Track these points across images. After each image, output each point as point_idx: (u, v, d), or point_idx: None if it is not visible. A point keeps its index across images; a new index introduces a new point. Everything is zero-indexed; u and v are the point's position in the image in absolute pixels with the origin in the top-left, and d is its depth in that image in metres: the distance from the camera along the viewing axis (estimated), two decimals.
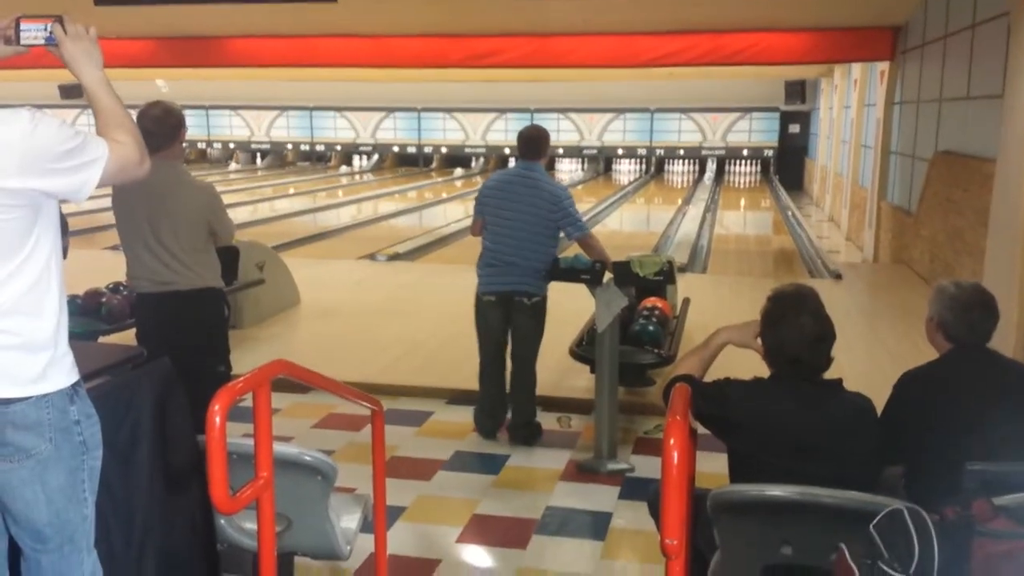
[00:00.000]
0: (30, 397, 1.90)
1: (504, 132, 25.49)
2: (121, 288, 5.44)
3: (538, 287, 4.53)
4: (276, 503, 2.27)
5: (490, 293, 4.57)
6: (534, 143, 4.55)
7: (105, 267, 6.26)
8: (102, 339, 5.16)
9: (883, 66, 10.85)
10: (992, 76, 6.67)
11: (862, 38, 10.41)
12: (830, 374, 2.39)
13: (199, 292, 3.80)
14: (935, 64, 8.73)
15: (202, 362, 3.67)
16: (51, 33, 1.98)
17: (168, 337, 3.61)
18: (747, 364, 2.52)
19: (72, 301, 5.30)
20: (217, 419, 2.06)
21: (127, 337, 4.67)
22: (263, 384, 2.24)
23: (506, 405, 4.73)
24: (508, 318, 4.58)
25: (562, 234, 4.56)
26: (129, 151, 1.95)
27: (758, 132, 24.01)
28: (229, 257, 4.12)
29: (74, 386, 1.98)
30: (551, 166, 26.07)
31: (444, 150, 26.23)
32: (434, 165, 26.75)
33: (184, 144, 3.99)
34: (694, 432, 2.23)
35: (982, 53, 7.19)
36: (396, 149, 27.10)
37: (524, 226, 4.46)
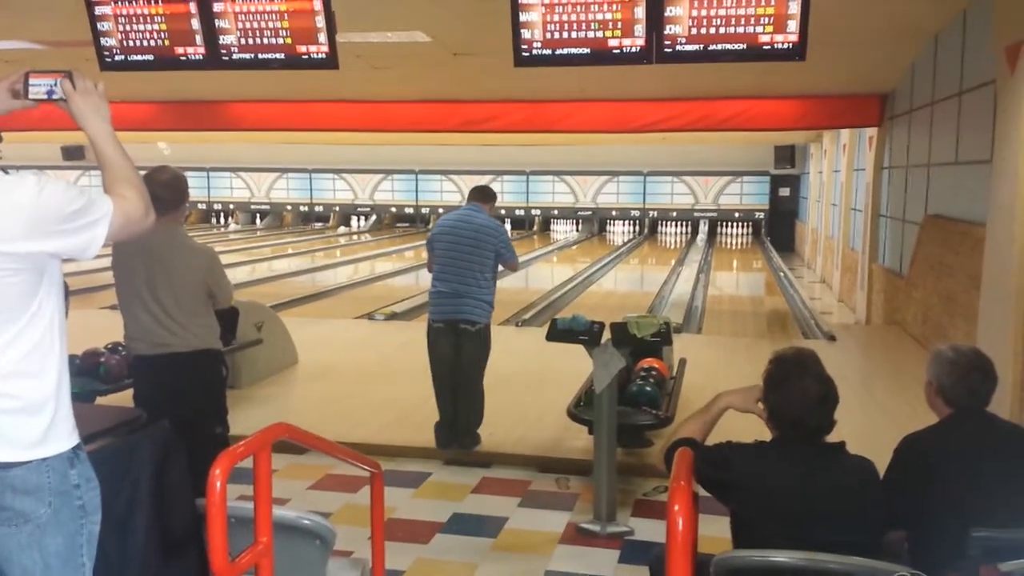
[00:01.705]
0: (31, 461, 1.88)
1: (500, 194, 25.59)
2: (120, 348, 5.43)
3: (481, 315, 5.14)
4: (274, 568, 2.24)
5: (439, 320, 5.18)
6: (482, 192, 5.42)
7: (103, 327, 6.25)
8: (100, 399, 5.13)
9: (871, 131, 11.05)
10: (980, 142, 6.80)
11: (850, 105, 10.62)
12: (831, 436, 2.39)
13: (197, 354, 3.80)
14: (923, 130, 8.90)
15: (200, 423, 3.66)
16: (60, 88, 2.00)
17: (166, 398, 3.60)
18: (749, 428, 2.53)
19: (70, 361, 5.28)
20: (218, 484, 2.05)
21: (125, 397, 4.65)
22: (264, 448, 2.24)
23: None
24: (456, 343, 5.14)
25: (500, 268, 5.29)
26: (133, 206, 1.96)
27: (749, 195, 24.36)
28: (229, 317, 4.13)
29: (74, 449, 1.97)
30: (546, 227, 26.37)
31: (441, 211, 26.47)
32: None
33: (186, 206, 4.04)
34: (695, 495, 2.23)
35: (969, 119, 7.33)
36: (394, 210, 27.37)
37: (469, 259, 5.10)
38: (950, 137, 7.86)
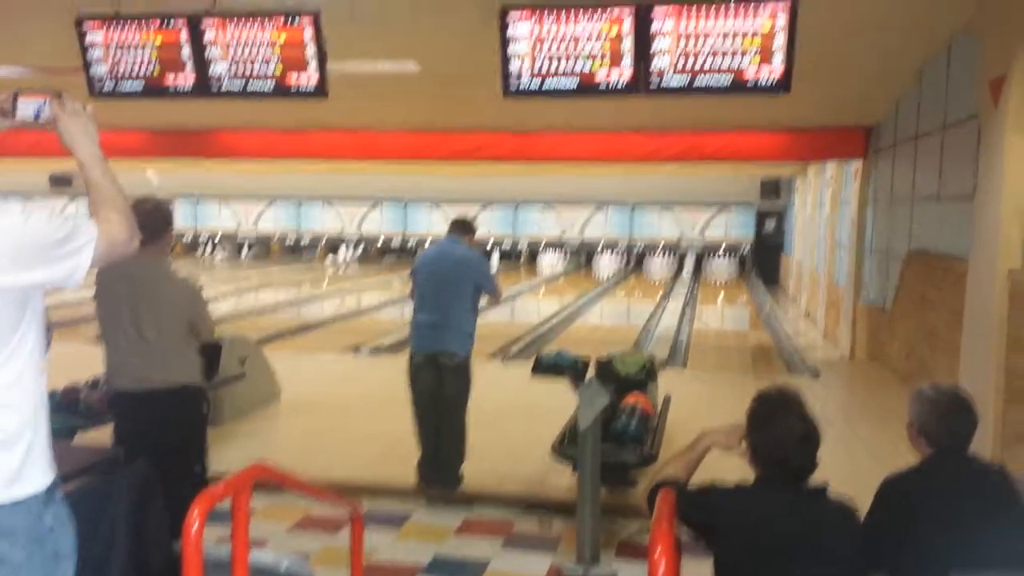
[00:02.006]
0: (4, 504, 1.85)
1: (488, 224, 25.87)
2: (100, 384, 5.37)
3: (461, 347, 5.11)
4: None
5: (419, 353, 5.16)
6: (461, 224, 5.41)
7: (84, 361, 6.17)
8: (80, 435, 5.08)
9: (856, 165, 11.15)
10: (963, 177, 6.86)
11: (835, 138, 10.73)
12: (815, 475, 2.38)
13: (177, 390, 3.77)
14: (907, 164, 9.00)
15: (179, 461, 3.61)
16: (48, 108, 2.00)
17: (145, 435, 3.57)
18: (734, 467, 2.51)
19: (50, 396, 5.23)
20: (195, 526, 2.02)
21: (105, 433, 4.59)
22: (242, 490, 2.21)
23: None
24: (437, 376, 5.10)
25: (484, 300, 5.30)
26: (117, 229, 1.95)
27: (735, 228, 24.51)
28: (212, 352, 4.11)
29: (50, 489, 1.94)
30: (533, 259, 26.44)
31: (429, 240, 26.52)
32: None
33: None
34: (678, 538, 2.21)
35: (953, 154, 7.41)
36: (382, 241, 27.39)
37: (449, 291, 5.11)
38: (933, 171, 7.94)
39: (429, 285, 5.19)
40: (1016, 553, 2.44)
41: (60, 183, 22.94)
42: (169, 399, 3.71)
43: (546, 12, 5.33)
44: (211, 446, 4.07)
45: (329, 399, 7.59)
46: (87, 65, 6.05)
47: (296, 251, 28.25)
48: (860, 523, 2.40)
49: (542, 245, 26.20)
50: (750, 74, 5.22)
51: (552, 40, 5.38)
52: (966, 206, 6.61)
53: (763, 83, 5.24)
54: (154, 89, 6.08)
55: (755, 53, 5.16)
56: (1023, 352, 5.32)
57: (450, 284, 5.14)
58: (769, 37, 5.11)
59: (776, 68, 5.18)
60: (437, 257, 5.28)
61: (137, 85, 6.09)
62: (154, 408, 3.68)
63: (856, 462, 5.60)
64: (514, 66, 5.49)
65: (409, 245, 26.50)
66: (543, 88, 5.53)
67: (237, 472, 2.27)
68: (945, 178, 7.63)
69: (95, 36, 5.98)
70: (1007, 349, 5.51)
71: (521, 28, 5.40)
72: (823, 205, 14.41)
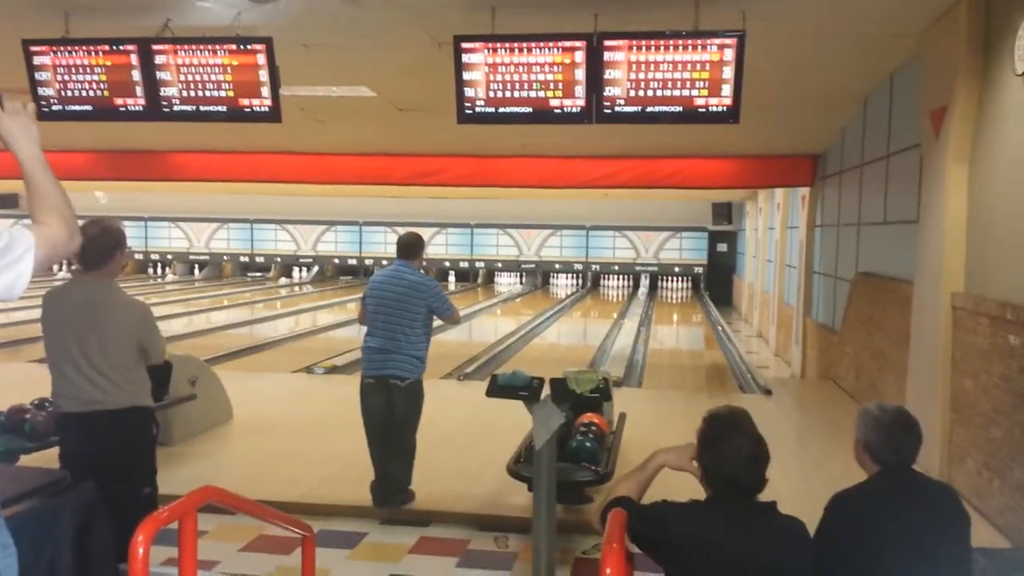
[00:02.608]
0: None
1: (444, 246, 25.93)
2: (47, 404, 5.26)
3: (411, 371, 5.12)
4: None
5: (370, 376, 5.16)
6: (410, 247, 5.35)
7: (31, 381, 6.05)
8: (24, 458, 4.96)
9: (804, 191, 11.42)
10: (907, 203, 7.06)
11: (784, 165, 10.99)
12: (765, 492, 2.43)
13: (126, 411, 3.71)
14: (853, 190, 9.23)
15: (127, 483, 3.55)
16: None
17: (92, 457, 3.51)
18: (686, 486, 2.55)
19: None
20: (140, 550, 1.99)
21: (51, 455, 4.48)
22: (189, 512, 2.18)
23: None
24: (388, 399, 5.11)
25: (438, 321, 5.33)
26: (55, 231, 1.92)
27: (688, 250, 24.94)
28: (161, 373, 4.05)
29: None
30: (490, 279, 26.52)
31: (385, 262, 26.44)
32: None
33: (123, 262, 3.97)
34: (631, 554, 2.23)
35: (897, 181, 7.62)
36: (337, 261, 27.23)
37: (398, 316, 5.12)
38: (879, 197, 8.16)
39: (379, 310, 5.18)
40: (960, 568, 2.52)
41: (6, 203, 22.50)
42: (117, 421, 3.64)
43: (500, 42, 5.39)
44: (162, 467, 4.01)
45: (282, 419, 7.50)
46: (34, 86, 5.97)
47: (249, 271, 27.95)
48: (810, 539, 2.45)
49: (499, 265, 26.32)
50: (700, 104, 5.34)
51: (506, 68, 5.45)
52: (910, 230, 6.79)
53: (713, 112, 5.36)
54: (104, 111, 6.02)
55: (704, 84, 5.29)
56: (967, 373, 5.45)
57: (399, 310, 5.14)
58: (718, 68, 5.24)
59: (725, 99, 5.30)
60: (387, 282, 5.25)
61: (86, 107, 6.02)
62: (101, 430, 3.61)
63: (807, 479, 5.69)
64: (469, 93, 5.55)
65: (367, 264, 26.43)
66: (498, 114, 5.58)
67: (183, 496, 2.24)
68: (890, 204, 7.84)
69: (43, 58, 5.91)
70: (952, 370, 5.66)
71: (475, 57, 5.45)
72: (773, 229, 14.70)
